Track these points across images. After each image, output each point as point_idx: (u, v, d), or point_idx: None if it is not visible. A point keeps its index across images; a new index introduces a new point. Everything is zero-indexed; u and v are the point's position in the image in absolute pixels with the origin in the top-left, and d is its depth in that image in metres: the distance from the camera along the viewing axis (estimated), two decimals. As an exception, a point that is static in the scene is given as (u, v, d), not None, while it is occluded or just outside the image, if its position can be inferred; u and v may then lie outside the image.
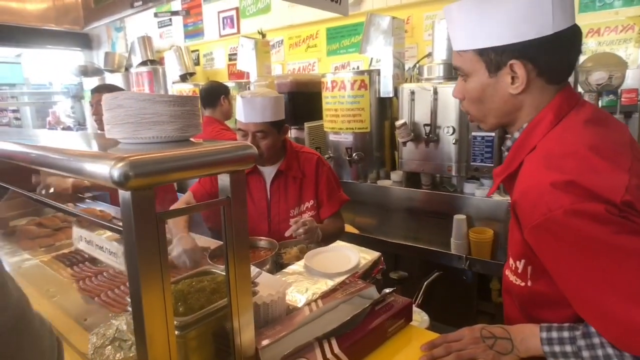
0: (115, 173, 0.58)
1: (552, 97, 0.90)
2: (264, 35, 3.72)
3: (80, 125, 5.77)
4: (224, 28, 4.44)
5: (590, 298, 0.77)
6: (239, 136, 1.78)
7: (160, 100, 0.75)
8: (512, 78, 0.89)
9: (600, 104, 2.05)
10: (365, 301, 1.08)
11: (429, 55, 2.80)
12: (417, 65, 2.87)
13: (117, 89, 3.63)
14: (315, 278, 1.21)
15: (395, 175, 2.85)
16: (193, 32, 4.73)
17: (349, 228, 2.65)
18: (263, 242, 1.50)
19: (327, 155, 3.01)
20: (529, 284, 0.90)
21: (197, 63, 4.79)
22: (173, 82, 4.34)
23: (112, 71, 5.28)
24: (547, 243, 0.80)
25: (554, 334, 0.84)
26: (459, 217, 2.38)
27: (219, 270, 0.98)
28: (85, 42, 6.25)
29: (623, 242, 0.73)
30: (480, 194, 2.44)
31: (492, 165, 2.41)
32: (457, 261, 2.35)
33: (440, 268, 2.53)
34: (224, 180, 0.76)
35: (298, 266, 1.30)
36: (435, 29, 2.52)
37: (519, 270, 0.91)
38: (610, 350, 0.77)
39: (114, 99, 0.75)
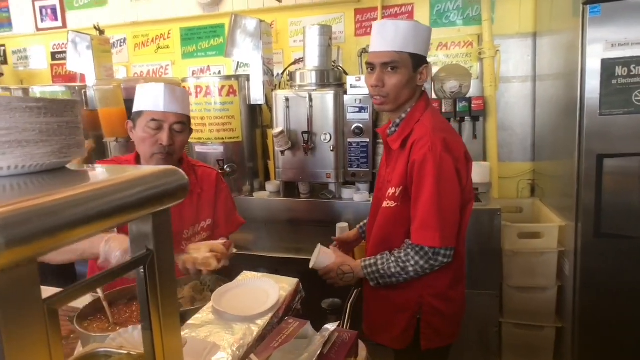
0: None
1: (422, 93, 1.48)
2: (102, 32, 3.15)
3: None
4: (42, 20, 3.63)
5: (423, 209, 1.31)
6: (147, 130, 1.46)
7: (20, 107, 0.46)
8: (421, 75, 1.42)
9: (456, 109, 2.28)
10: (301, 343, 0.91)
11: (299, 61, 2.75)
12: (287, 71, 2.79)
13: None
14: (232, 324, 0.98)
15: (271, 186, 2.71)
16: (-4, 22, 3.76)
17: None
18: None
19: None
20: (398, 203, 1.40)
21: (3, 61, 3.83)
22: (-30, 85, 3.36)
23: None
24: (422, 166, 1.31)
25: (367, 262, 1.45)
26: (342, 225, 2.38)
27: (114, 349, 0.69)
28: None
29: (453, 181, 1.32)
30: (359, 199, 2.49)
31: (368, 169, 2.48)
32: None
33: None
34: (139, 225, 0.51)
35: (204, 313, 1.04)
36: (307, 36, 2.47)
37: (396, 195, 1.40)
38: (393, 266, 1.38)
39: None
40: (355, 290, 1.31)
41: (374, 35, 1.41)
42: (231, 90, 2.59)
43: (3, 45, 3.86)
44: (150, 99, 1.44)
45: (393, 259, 1.39)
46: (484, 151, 2.38)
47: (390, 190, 1.42)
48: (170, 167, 0.54)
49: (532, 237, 2.15)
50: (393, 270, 1.38)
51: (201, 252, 1.24)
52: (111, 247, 1.16)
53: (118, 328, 0.93)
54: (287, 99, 2.45)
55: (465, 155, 1.40)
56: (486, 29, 2.45)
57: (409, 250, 1.37)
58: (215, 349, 0.79)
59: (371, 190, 2.53)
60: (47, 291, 0.39)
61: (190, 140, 2.68)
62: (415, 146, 1.34)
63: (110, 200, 0.43)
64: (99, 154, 2.93)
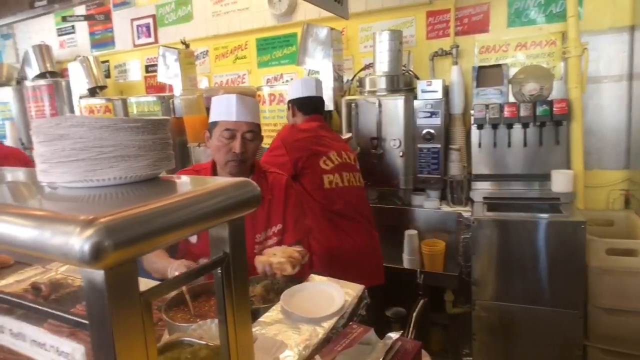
0: (87, 246, 0.37)
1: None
2: (187, 45, 3.43)
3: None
4: (139, 37, 4.04)
5: None
6: (222, 139, 1.57)
7: (124, 127, 0.53)
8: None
9: (536, 113, 2.15)
10: (364, 349, 0.93)
11: (369, 67, 2.77)
12: (357, 77, 2.82)
13: None
14: (299, 325, 1.03)
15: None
16: (102, 40, 4.25)
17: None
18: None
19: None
20: None
21: (107, 75, 4.30)
22: (80, 97, 3.83)
23: (0, 84, 4.53)
24: None
25: None
26: (411, 233, 2.35)
27: (196, 339, 0.76)
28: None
29: None
30: (428, 206, 2.44)
31: (439, 176, 2.42)
32: (411, 276, 2.31)
33: (394, 284, 2.49)
34: (217, 231, 0.57)
35: (275, 311, 1.11)
36: (377, 42, 2.49)
37: None
38: None
39: (53, 126, 0.52)
40: (422, 301, 1.29)
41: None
42: (303, 97, 2.67)
43: (107, 61, 4.34)
44: (223, 110, 1.54)
45: None
46: (567, 158, 2.21)
47: None
48: (244, 179, 0.59)
49: (625, 254, 1.95)
50: None
51: (277, 257, 1.28)
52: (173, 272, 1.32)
53: (198, 320, 1.02)
54: (356, 105, 2.48)
55: None
56: (572, 25, 2.27)
57: None
58: (283, 347, 0.84)
59: (442, 198, 2.47)
60: (142, 283, 0.45)
61: (264, 146, 2.84)
62: None
63: (195, 209, 0.49)
64: (184, 156, 3.19)
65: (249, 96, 1.67)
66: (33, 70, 4.13)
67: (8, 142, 4.09)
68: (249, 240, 1.65)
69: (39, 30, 4.49)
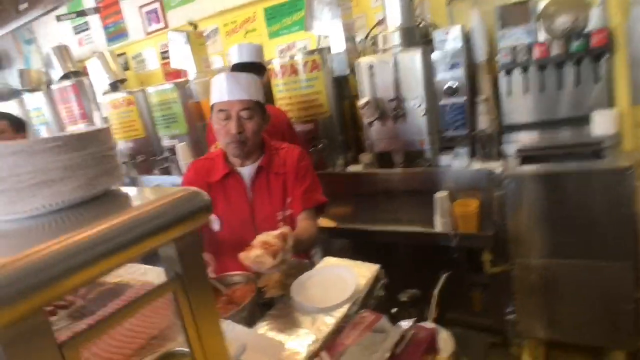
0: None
1: None
2: (195, 27, 3.35)
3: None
4: (149, 24, 4.00)
5: None
6: (218, 122, 1.53)
7: (42, 149, 0.48)
8: None
9: (570, 49, 1.91)
10: (377, 337, 0.87)
11: (381, 22, 2.58)
12: (369, 35, 2.64)
13: (8, 116, 3.15)
14: (309, 316, 0.98)
15: (365, 158, 2.65)
16: (115, 33, 4.26)
17: (324, 222, 2.45)
18: (237, 277, 1.24)
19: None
20: None
21: (126, 67, 4.33)
22: (103, 93, 3.89)
23: (31, 90, 4.70)
24: None
25: None
26: (441, 195, 2.22)
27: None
28: (-8, 60, 5.55)
29: None
30: (457, 165, 2.29)
31: (466, 132, 2.25)
32: (445, 239, 2.21)
33: (426, 248, 2.40)
34: (164, 250, 0.51)
35: (286, 303, 1.06)
36: (384, -7, 2.29)
37: None
38: None
39: (-37, 159, 0.47)
40: (444, 276, 1.20)
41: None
42: (314, 65, 2.55)
43: (124, 53, 4.36)
44: (216, 91, 1.48)
45: None
46: (609, 96, 1.97)
47: None
48: (191, 188, 0.52)
49: (683, 196, 1.74)
50: None
51: (254, 250, 1.10)
52: None
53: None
54: (370, 67, 2.33)
55: None
56: (609, -60, 1.96)
57: None
58: (279, 348, 0.79)
59: (472, 154, 2.30)
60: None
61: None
62: None
63: (121, 239, 0.43)
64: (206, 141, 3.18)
65: (251, 74, 1.58)
66: (57, 72, 4.23)
67: (46, 145, 4.25)
68: (271, 220, 1.62)
69: (57, 30, 4.55)
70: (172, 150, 3.26)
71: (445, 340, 0.93)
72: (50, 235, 0.43)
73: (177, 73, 3.85)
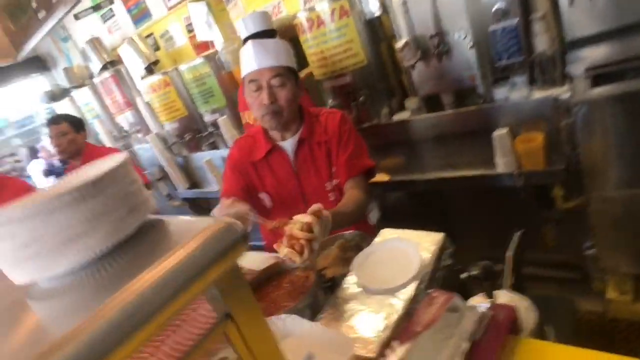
0: None
1: None
2: (213, -8, 3.20)
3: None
4: (169, -1, 3.91)
5: None
6: (250, 94, 1.48)
7: (60, 206, 0.44)
8: None
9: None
10: (451, 318, 0.81)
11: (409, -51, 2.29)
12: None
13: (68, 118, 3.26)
14: (374, 298, 0.94)
15: (411, 103, 2.47)
16: (139, 15, 4.22)
17: (378, 177, 2.37)
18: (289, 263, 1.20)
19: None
20: None
21: (157, 48, 4.32)
22: (142, 78, 3.93)
23: (78, 86, 4.86)
24: None
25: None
26: (500, 132, 2.04)
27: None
28: (40, 64, 5.78)
29: None
30: (515, 96, 2.07)
31: (522, 57, 2.00)
32: (509, 180, 2.06)
33: (490, 194, 2.26)
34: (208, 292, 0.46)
35: (351, 283, 1.02)
36: None
37: None
38: None
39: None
40: (518, 234, 1.08)
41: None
42: (343, 12, 2.36)
43: (151, 34, 4.33)
44: (245, 62, 1.40)
45: None
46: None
47: None
48: (226, 219, 0.47)
49: None
50: None
51: (281, 249, 1.05)
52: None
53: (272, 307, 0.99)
54: (404, 2, 2.10)
55: None
56: None
57: None
58: (348, 346, 0.75)
59: (532, 82, 2.06)
60: None
61: (316, 78, 2.63)
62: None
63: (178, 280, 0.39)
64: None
65: (281, 39, 1.48)
66: (95, 65, 4.32)
67: (102, 138, 4.44)
68: (320, 192, 1.57)
69: (87, 23, 4.60)
70: (215, 124, 3.27)
71: (527, 311, 0.85)
72: (89, 297, 0.40)
73: (206, 45, 3.78)
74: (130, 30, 4.34)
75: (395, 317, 0.86)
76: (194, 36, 3.94)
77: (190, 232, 0.46)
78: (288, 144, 1.57)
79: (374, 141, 2.70)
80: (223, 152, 3.28)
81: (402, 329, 0.83)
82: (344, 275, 1.10)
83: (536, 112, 2.01)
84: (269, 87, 1.42)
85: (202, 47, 3.94)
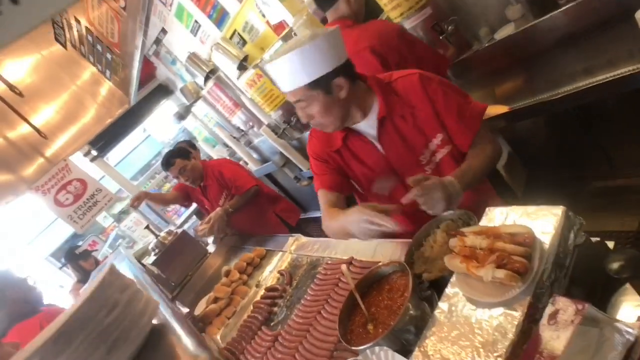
0: None
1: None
2: (270, -29, 3.08)
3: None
4: (237, -10, 3.91)
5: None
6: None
7: (83, 317, 0.43)
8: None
9: None
10: (589, 333, 0.62)
11: None
12: None
13: (175, 154, 3.19)
14: (483, 309, 0.78)
15: (513, 12, 2.02)
16: (218, 17, 4.35)
17: (494, 109, 2.03)
18: (385, 267, 1.09)
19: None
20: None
21: (244, 43, 4.42)
22: (237, 78, 4.11)
23: (195, 101, 5.36)
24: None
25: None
26: (643, 13, 1.50)
27: None
28: (163, 90, 6.51)
29: None
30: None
31: None
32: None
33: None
34: None
35: (453, 286, 0.88)
36: None
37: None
38: None
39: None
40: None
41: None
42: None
43: (234, 31, 4.44)
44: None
45: None
46: None
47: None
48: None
49: None
50: None
51: None
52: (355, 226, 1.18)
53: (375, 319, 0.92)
54: None
55: None
56: None
57: None
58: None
59: None
60: None
61: (395, 20, 2.31)
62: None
63: None
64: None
65: (295, 49, 1.18)
66: (200, 79, 4.67)
67: (226, 141, 4.85)
68: (415, 168, 1.41)
69: (183, 41, 4.94)
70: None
71: None
72: None
73: (282, 25, 3.71)
74: (217, 34, 4.52)
75: (509, 338, 0.70)
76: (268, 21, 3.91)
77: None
78: (366, 126, 1.41)
79: (480, 70, 2.31)
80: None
81: (524, 352, 0.67)
82: (443, 278, 0.96)
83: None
84: (300, 109, 1.31)
85: (279, 27, 3.89)
